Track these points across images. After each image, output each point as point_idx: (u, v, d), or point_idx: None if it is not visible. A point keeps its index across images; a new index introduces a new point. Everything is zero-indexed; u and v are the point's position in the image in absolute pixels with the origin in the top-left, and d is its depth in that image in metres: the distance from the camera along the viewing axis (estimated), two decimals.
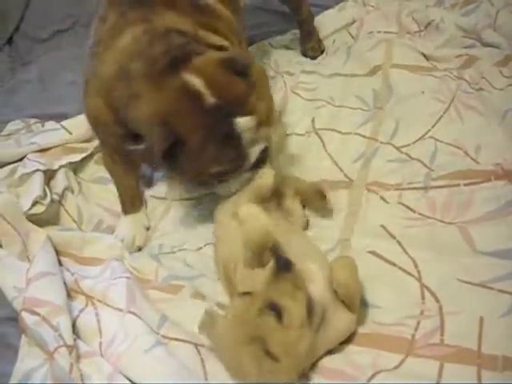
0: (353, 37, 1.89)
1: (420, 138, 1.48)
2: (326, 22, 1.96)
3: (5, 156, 1.69)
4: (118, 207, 1.56)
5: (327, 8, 2.03)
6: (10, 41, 2.39)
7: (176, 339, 1.17)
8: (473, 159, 1.39)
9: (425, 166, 1.41)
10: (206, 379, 1.10)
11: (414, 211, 1.32)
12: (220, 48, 1.23)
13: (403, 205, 1.34)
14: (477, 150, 1.40)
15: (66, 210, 1.57)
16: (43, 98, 2.02)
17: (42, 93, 2.06)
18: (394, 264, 1.23)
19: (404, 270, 1.21)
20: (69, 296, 1.30)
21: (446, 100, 1.55)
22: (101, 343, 1.20)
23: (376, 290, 1.18)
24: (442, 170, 1.38)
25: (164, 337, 1.18)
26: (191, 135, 1.12)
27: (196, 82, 1.11)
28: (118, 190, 1.56)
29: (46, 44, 2.35)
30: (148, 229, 1.52)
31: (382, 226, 1.31)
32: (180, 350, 1.15)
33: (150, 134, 1.12)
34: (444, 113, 1.52)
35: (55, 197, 1.56)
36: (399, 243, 1.27)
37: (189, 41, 1.19)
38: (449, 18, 1.78)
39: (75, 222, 1.55)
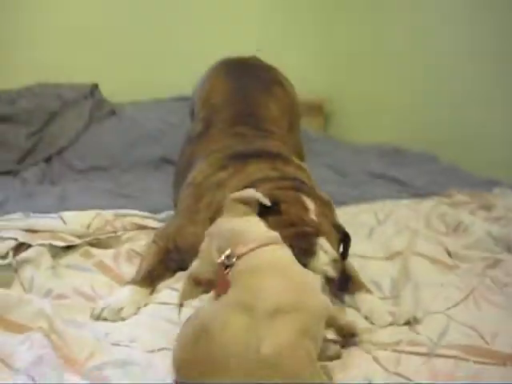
0: (379, 221, 1.83)
1: (432, 313, 1.31)
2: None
3: None
4: (86, 288, 1.44)
5: None
6: (48, 159, 2.47)
7: None
8: (487, 343, 1.19)
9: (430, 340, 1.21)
10: None
11: (411, 380, 1.09)
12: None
13: (400, 375, 1.11)
14: (493, 337, 1.21)
15: (19, 278, 1.43)
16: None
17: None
18: None
19: None
20: None
21: (466, 290, 1.40)
22: None
23: None
24: (451, 342, 1.18)
25: None
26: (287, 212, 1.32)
27: (308, 201, 1.36)
28: (142, 263, 1.52)
29: (79, 175, 2.41)
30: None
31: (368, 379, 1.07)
32: None
33: None
34: (462, 301, 1.37)
35: (14, 263, 1.45)
36: None
37: (306, 186, 1.48)
38: (479, 223, 1.73)
39: (24, 289, 1.40)
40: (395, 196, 2.13)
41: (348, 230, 1.82)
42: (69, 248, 1.61)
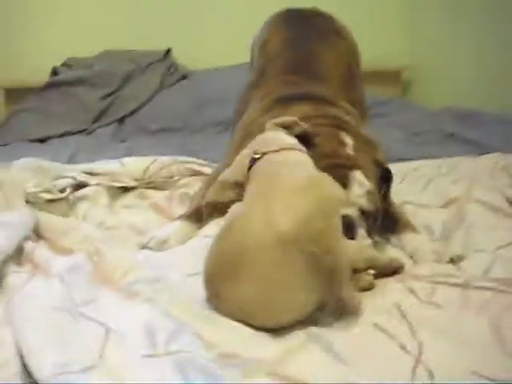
0: (440, 173, 1.77)
1: (479, 252, 1.25)
2: None
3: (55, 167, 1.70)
4: (138, 223, 1.50)
5: None
6: (121, 120, 2.57)
7: None
8: None
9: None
10: None
11: (444, 308, 1.05)
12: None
13: (432, 304, 1.07)
14: None
15: (74, 214, 1.52)
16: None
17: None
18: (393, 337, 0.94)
19: (403, 348, 0.92)
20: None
21: None
22: None
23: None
24: (493, 276, 1.13)
25: None
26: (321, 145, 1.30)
27: (346, 137, 1.33)
28: (192, 202, 1.54)
29: (150, 136, 2.48)
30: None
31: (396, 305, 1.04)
32: None
33: None
34: None
35: (70, 198, 1.53)
36: (410, 324, 0.98)
37: (347, 124, 1.43)
38: None
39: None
40: (465, 155, 2.03)
41: (406, 180, 1.78)
42: (126, 190, 1.69)
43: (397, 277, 1.16)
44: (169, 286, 1.12)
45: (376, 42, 3.20)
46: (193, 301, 1.07)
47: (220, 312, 1.01)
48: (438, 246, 1.31)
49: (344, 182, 1.22)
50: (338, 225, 0.99)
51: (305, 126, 1.27)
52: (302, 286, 0.94)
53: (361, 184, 1.25)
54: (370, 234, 1.26)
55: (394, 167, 1.82)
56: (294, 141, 1.21)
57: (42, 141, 2.45)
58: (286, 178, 1.07)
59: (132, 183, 1.68)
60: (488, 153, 1.99)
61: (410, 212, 1.52)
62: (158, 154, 2.02)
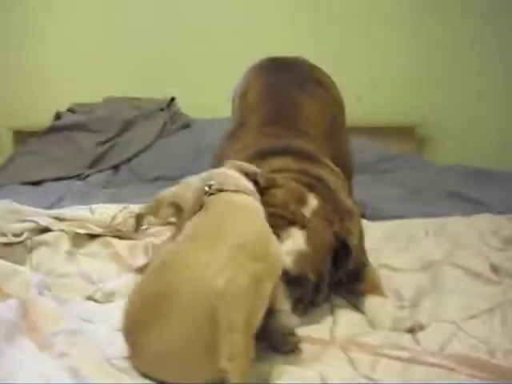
0: (427, 234, 1.67)
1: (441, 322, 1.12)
2: None
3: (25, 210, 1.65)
4: (93, 273, 1.44)
5: None
6: (116, 166, 2.54)
7: None
8: (497, 359, 0.98)
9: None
10: None
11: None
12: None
13: (368, 378, 0.95)
14: (506, 355, 1.00)
15: (30, 259, 1.48)
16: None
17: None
18: None
19: None
20: None
21: (494, 303, 1.20)
22: None
23: None
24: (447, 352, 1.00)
25: None
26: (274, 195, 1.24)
27: (312, 200, 1.24)
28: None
29: (144, 184, 2.43)
30: None
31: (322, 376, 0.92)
32: None
33: None
34: (483, 313, 1.16)
35: (28, 243, 1.50)
36: None
37: (326, 188, 1.34)
38: None
39: (31, 267, 1.44)
40: (463, 214, 1.89)
41: (390, 240, 1.66)
42: (92, 237, 1.63)
43: (340, 344, 1.05)
44: (88, 341, 1.04)
45: (392, 97, 3.14)
46: (108, 358, 0.99)
47: (133, 362, 0.96)
48: (399, 313, 1.19)
49: (277, 233, 1.12)
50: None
51: (262, 178, 1.21)
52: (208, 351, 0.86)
53: (294, 242, 1.15)
54: (301, 300, 1.16)
55: (381, 225, 1.77)
56: (250, 185, 1.16)
57: (36, 184, 2.44)
58: (235, 228, 1.00)
59: (98, 230, 1.62)
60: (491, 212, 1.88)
61: (383, 275, 1.40)
62: (140, 202, 1.97)
